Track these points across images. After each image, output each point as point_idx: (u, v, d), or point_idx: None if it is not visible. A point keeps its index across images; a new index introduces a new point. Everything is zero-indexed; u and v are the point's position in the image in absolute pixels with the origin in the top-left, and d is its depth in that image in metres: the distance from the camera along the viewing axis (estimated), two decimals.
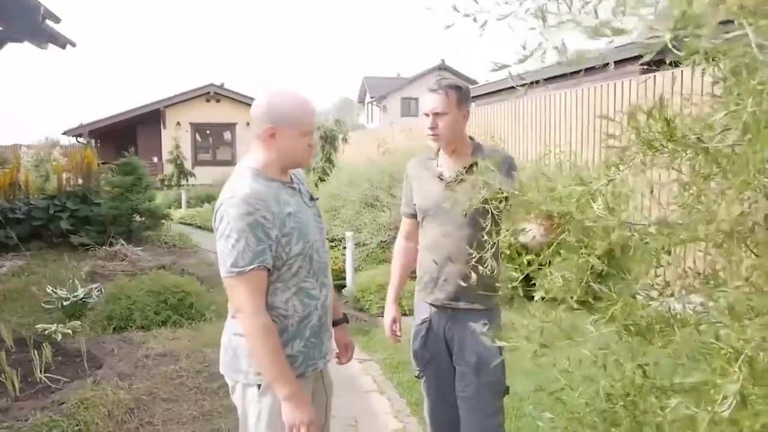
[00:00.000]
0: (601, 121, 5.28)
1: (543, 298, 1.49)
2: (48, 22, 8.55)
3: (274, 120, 1.90)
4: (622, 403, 1.44)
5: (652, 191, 1.42)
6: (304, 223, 1.94)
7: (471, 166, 2.33)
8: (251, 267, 1.81)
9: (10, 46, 9.21)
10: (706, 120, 1.30)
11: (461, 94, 2.29)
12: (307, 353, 1.97)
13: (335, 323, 2.30)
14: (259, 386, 1.92)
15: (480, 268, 1.97)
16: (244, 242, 1.80)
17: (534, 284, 1.49)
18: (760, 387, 0.99)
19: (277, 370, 1.85)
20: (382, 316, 5.64)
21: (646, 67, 6.45)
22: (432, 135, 2.30)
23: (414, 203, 2.47)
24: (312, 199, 2.08)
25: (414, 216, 2.50)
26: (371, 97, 44.77)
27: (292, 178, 2.03)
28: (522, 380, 3.44)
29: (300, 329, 1.95)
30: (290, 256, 1.89)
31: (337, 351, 2.32)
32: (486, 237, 1.98)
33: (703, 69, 1.46)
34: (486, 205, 1.69)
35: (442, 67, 43.20)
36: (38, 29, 8.48)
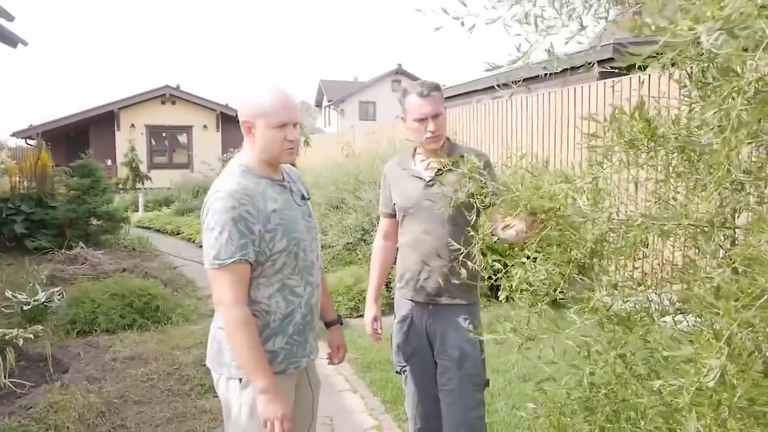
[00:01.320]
0: (561, 124, 5.48)
1: (521, 291, 1.56)
2: (0, 21, 8.32)
3: (250, 114, 1.94)
4: (604, 392, 1.52)
5: (637, 187, 1.52)
6: (291, 220, 1.97)
7: (452, 164, 2.41)
8: (232, 260, 1.85)
9: None
10: (690, 119, 1.40)
11: (442, 92, 2.38)
12: (290, 350, 2.00)
13: (328, 324, 2.34)
14: (240, 380, 1.94)
15: (465, 263, 2.04)
16: (227, 235, 1.84)
17: (499, 285, 1.56)
18: (736, 364, 1.08)
19: (253, 362, 1.87)
20: (351, 317, 5.74)
21: (603, 71, 6.68)
22: (434, 137, 2.36)
23: (393, 203, 2.53)
24: (303, 198, 2.11)
25: (392, 216, 2.56)
26: (329, 101, 44.70)
27: (283, 176, 2.06)
28: (492, 377, 3.53)
29: (283, 326, 1.98)
30: (273, 252, 1.92)
31: (329, 352, 2.36)
32: (472, 231, 2.06)
33: (670, 73, 1.57)
34: (471, 199, 1.76)
35: (399, 71, 43.49)
36: None
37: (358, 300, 5.91)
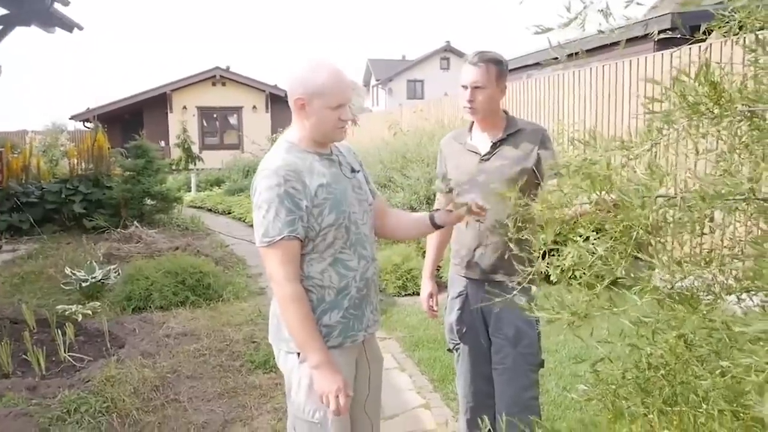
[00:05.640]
0: (616, 98, 5.25)
1: (574, 274, 1.48)
2: (56, 5, 8.52)
3: (306, 92, 1.91)
4: (662, 373, 1.44)
5: (698, 152, 1.42)
6: (339, 193, 1.95)
7: (505, 139, 2.34)
8: (280, 237, 1.85)
9: (16, 30, 9.17)
10: (759, 83, 1.29)
11: (501, 68, 2.29)
12: (346, 324, 1.98)
13: (433, 221, 2.17)
14: (299, 354, 1.94)
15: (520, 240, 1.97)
16: (273, 213, 1.85)
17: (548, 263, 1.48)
18: None
19: (305, 338, 1.88)
20: (399, 296, 5.72)
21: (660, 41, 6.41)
22: (469, 108, 2.30)
23: (449, 178, 2.47)
24: (353, 171, 2.08)
25: (449, 191, 2.51)
26: (377, 80, 44.54)
27: (332, 150, 2.04)
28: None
29: (338, 300, 1.97)
30: (323, 227, 1.91)
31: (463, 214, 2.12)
32: (531, 207, 1.98)
33: (739, 38, 1.45)
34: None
35: (448, 49, 42.95)
36: (46, 13, 8.43)
37: (406, 279, 5.89)
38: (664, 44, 6.65)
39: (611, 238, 1.47)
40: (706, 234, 1.56)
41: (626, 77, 6.38)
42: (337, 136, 2.00)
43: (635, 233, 1.41)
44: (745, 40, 1.41)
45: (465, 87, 2.29)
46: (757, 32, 1.41)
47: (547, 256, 1.54)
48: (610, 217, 1.43)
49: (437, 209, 2.25)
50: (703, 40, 1.44)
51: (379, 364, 2.23)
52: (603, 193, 1.43)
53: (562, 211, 1.76)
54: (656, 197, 1.36)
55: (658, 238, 1.48)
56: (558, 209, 1.70)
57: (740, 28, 1.39)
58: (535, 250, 2.19)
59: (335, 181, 1.96)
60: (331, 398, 1.85)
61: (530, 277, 2.30)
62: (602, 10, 1.45)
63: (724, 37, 1.27)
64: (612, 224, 1.47)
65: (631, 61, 6.31)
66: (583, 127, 6.90)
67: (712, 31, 1.50)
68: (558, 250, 1.49)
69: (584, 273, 1.45)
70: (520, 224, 1.75)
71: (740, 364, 1.08)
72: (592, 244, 1.46)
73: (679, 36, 1.58)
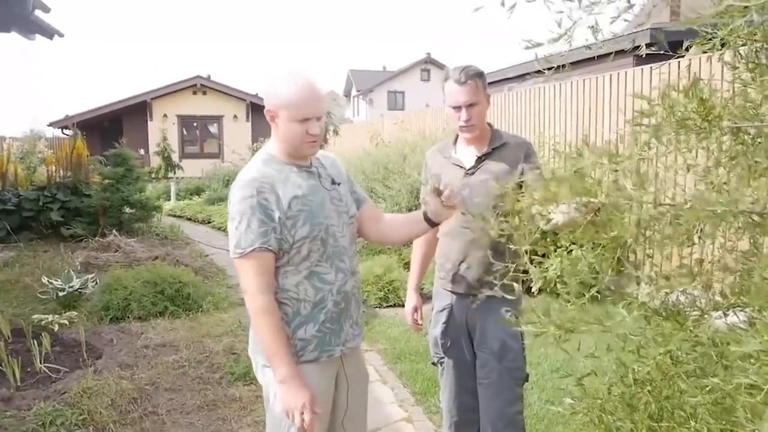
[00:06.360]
0: (597, 112, 5.30)
1: (564, 283, 1.48)
2: (37, 12, 8.41)
3: (274, 104, 1.91)
4: (648, 388, 1.44)
5: (688, 169, 1.43)
6: (315, 206, 1.93)
7: (490, 153, 2.35)
8: (252, 248, 1.84)
9: None
10: (746, 100, 1.31)
11: (484, 80, 2.32)
12: (322, 338, 1.95)
13: (426, 216, 2.11)
14: None
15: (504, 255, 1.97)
16: (246, 224, 1.85)
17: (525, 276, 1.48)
18: None
19: (273, 351, 1.86)
20: (381, 307, 5.69)
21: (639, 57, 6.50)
22: (467, 127, 2.31)
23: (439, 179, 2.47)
24: (334, 183, 2.06)
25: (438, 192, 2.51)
26: (357, 91, 44.66)
27: (311, 162, 2.02)
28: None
29: (314, 314, 1.94)
30: (296, 239, 1.89)
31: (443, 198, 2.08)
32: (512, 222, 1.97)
33: (720, 55, 1.48)
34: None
35: (428, 61, 43.22)
36: (26, 19, 8.32)
37: (388, 290, 5.87)
38: (643, 59, 6.76)
39: (600, 246, 1.47)
40: (693, 245, 1.57)
41: (606, 91, 6.46)
42: (305, 150, 1.96)
43: (624, 242, 1.42)
44: (723, 57, 1.44)
45: (458, 108, 2.29)
46: (739, 48, 1.43)
47: (532, 268, 1.54)
48: (599, 221, 1.43)
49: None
50: (683, 56, 1.47)
51: (362, 379, 2.19)
52: (588, 198, 1.44)
53: (546, 216, 1.75)
54: (645, 207, 1.37)
55: (643, 246, 1.48)
56: (542, 212, 1.70)
57: (722, 45, 1.42)
58: (520, 264, 2.19)
59: (312, 193, 1.94)
60: (295, 414, 1.82)
61: (517, 293, 2.30)
62: (592, 27, 1.46)
63: (705, 53, 1.29)
64: (600, 230, 1.46)
65: (611, 75, 6.39)
66: (563, 140, 6.97)
67: (691, 46, 1.52)
68: (541, 263, 1.49)
69: (568, 283, 1.45)
70: (504, 221, 1.74)
71: (730, 382, 1.08)
72: (582, 254, 1.46)
73: (662, 52, 1.61)
